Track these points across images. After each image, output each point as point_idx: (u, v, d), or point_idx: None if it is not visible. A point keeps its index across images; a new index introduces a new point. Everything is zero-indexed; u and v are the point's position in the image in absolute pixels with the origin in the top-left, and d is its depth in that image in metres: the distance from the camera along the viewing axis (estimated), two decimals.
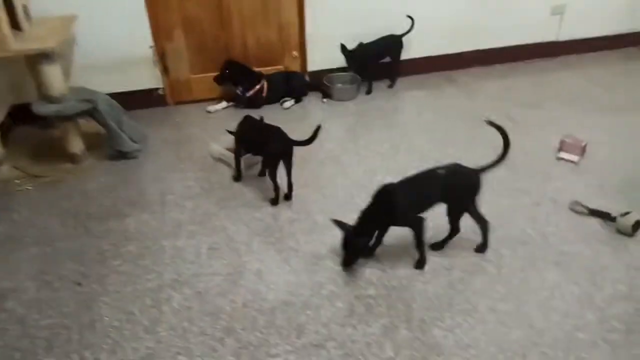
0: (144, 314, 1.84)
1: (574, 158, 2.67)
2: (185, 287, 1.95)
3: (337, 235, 2.00)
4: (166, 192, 2.52)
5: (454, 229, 2.08)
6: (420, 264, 2.03)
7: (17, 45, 2.38)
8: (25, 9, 2.66)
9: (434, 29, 3.59)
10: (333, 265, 2.03)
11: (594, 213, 2.25)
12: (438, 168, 1.99)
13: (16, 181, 2.64)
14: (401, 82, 3.68)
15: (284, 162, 2.34)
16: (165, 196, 2.49)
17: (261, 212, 2.36)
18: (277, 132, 2.36)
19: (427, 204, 1.97)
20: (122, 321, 1.81)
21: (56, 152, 2.78)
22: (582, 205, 2.30)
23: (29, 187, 2.59)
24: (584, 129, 2.88)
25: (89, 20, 2.99)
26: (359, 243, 1.96)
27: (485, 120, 2.02)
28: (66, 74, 3.13)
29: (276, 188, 2.37)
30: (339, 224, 1.98)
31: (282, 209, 2.38)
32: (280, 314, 1.83)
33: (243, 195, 2.49)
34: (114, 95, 3.22)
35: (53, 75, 2.50)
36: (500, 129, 2.00)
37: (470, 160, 2.55)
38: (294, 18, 3.44)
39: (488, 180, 2.08)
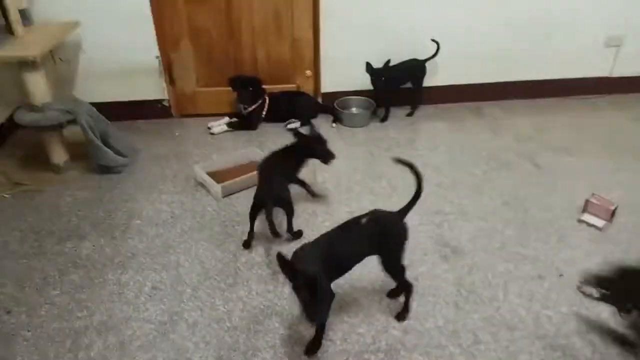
0: (58, 359, 1.68)
1: (599, 223, 2.25)
2: (111, 334, 1.77)
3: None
4: (134, 215, 2.38)
5: (403, 285, 1.76)
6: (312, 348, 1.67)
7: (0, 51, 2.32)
8: (24, 12, 2.62)
9: (463, 54, 3.24)
10: (278, 327, 1.78)
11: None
12: (360, 217, 1.70)
13: None
14: (422, 110, 3.35)
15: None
16: (132, 220, 2.35)
17: (222, 250, 2.15)
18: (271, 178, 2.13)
19: (353, 260, 1.67)
20: None
21: (42, 160, 2.72)
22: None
23: (6, 195, 2.54)
24: (618, 187, 2.45)
25: (95, 27, 2.94)
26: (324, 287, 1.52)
27: (393, 159, 1.78)
28: (69, 81, 3.12)
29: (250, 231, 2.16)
30: (288, 263, 1.47)
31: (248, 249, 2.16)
32: None
33: (212, 227, 2.30)
34: (118, 105, 3.19)
35: (35, 84, 2.43)
36: (411, 167, 1.75)
37: (470, 211, 2.20)
38: (309, 34, 3.21)
39: (487, 236, 1.78)
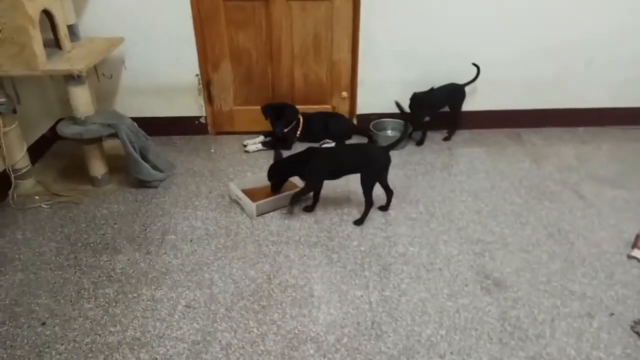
0: None
1: None
2: (144, 350, 1.74)
3: (333, 314, 1.82)
4: (169, 230, 2.37)
5: (367, 200, 2.38)
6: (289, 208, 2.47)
7: (48, 65, 2.37)
8: (72, 28, 2.70)
9: (502, 80, 3.19)
10: (314, 354, 1.72)
11: None
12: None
13: (36, 197, 2.63)
14: (459, 135, 3.30)
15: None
16: (167, 235, 2.34)
17: (256, 270, 2.11)
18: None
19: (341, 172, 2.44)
20: None
21: (81, 172, 2.76)
22: None
23: (44, 206, 2.57)
24: None
25: (138, 44, 3.01)
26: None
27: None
28: (111, 95, 3.18)
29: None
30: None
31: (282, 268, 2.12)
32: None
33: (246, 246, 2.27)
34: (156, 120, 3.23)
35: (79, 97, 2.47)
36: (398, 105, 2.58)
37: (513, 242, 2.14)
38: (347, 56, 3.21)
39: (531, 268, 1.92)
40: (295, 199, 2.45)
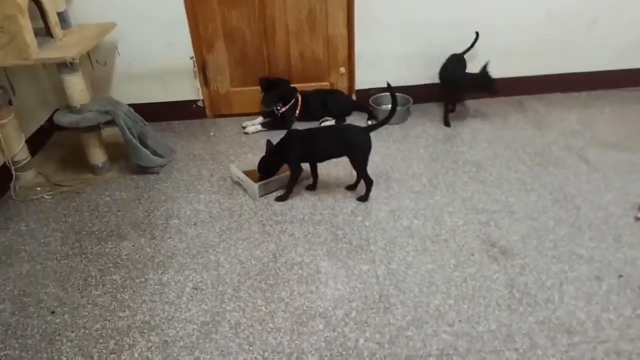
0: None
1: None
2: (154, 333, 1.74)
3: (340, 289, 1.84)
4: (172, 215, 2.37)
5: (365, 180, 2.34)
6: (280, 198, 2.40)
7: (40, 54, 2.34)
8: (62, 15, 2.65)
9: (502, 47, 3.12)
10: (323, 329, 1.72)
11: None
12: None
13: (37, 188, 2.63)
14: (460, 105, 3.25)
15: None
16: (170, 220, 2.33)
17: (261, 250, 2.11)
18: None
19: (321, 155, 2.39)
20: None
21: (82, 161, 2.75)
22: None
23: (46, 196, 2.56)
24: None
25: (130, 29, 2.95)
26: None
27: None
28: (106, 82, 3.14)
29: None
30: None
31: (287, 246, 2.12)
32: None
33: (250, 227, 2.26)
34: (153, 105, 3.20)
35: (74, 85, 2.45)
36: (389, 87, 2.38)
37: (518, 210, 2.14)
38: (343, 31, 3.15)
39: (538, 235, 1.91)
40: (290, 190, 2.41)
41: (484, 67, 2.85)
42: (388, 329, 1.70)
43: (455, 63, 3.04)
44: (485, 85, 2.89)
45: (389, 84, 2.35)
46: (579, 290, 1.82)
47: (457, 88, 3.06)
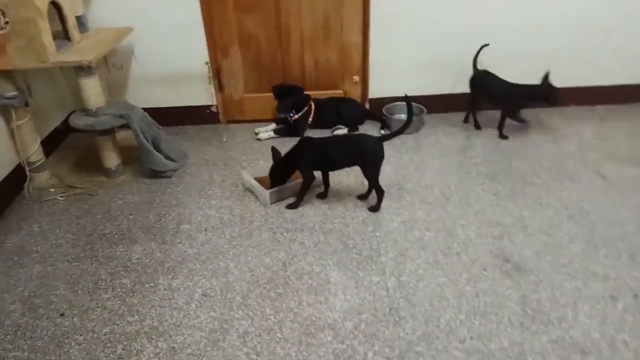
0: None
1: None
2: (162, 339, 1.74)
3: (350, 300, 1.81)
4: (184, 220, 2.37)
5: (377, 190, 2.33)
6: (291, 206, 2.39)
7: (57, 57, 2.36)
8: (81, 19, 2.68)
9: (516, 57, 3.09)
10: (331, 341, 1.71)
11: None
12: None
13: (51, 189, 2.65)
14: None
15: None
16: (181, 225, 2.34)
17: (271, 258, 2.10)
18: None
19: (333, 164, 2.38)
20: None
21: (95, 164, 2.77)
22: None
23: (59, 198, 2.58)
24: None
25: (146, 34, 2.98)
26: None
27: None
28: (122, 86, 3.17)
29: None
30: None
31: (297, 255, 2.10)
32: None
33: (260, 234, 2.25)
34: (167, 110, 3.22)
35: (90, 88, 2.47)
36: (406, 98, 2.34)
37: (532, 224, 2.11)
38: (358, 38, 3.15)
39: (552, 251, 1.88)
40: (301, 198, 2.40)
41: (545, 78, 2.79)
42: (398, 343, 1.68)
43: (494, 77, 2.96)
44: (548, 96, 2.82)
45: (406, 95, 2.32)
46: (593, 309, 1.79)
47: (512, 100, 2.95)
